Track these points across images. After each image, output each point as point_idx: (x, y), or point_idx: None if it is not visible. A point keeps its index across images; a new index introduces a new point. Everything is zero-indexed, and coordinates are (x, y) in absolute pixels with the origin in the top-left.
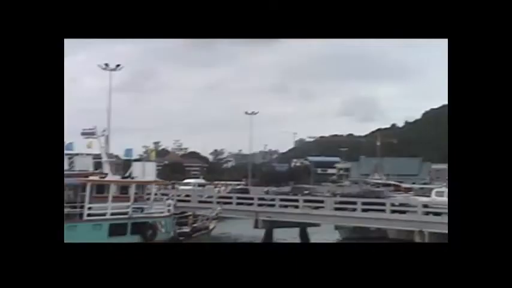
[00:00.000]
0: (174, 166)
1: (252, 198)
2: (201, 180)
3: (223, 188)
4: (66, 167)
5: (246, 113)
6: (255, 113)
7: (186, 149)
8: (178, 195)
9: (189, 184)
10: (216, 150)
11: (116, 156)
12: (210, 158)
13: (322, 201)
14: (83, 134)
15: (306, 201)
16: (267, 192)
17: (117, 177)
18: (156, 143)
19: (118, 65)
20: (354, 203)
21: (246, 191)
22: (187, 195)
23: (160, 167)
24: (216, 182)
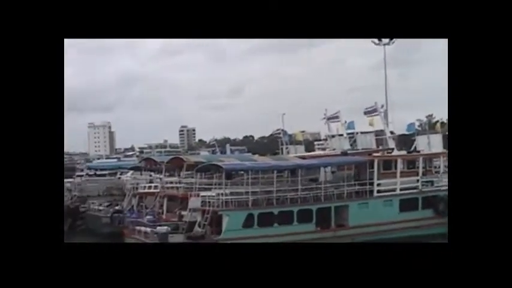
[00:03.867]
0: None
1: None
2: None
3: None
4: (347, 146)
5: None
6: None
7: None
8: None
9: None
10: None
11: (391, 132)
12: None
13: None
14: (366, 112)
15: None
16: None
17: (403, 152)
18: (429, 116)
19: (391, 39)
20: None
21: None
22: None
23: None
24: None
